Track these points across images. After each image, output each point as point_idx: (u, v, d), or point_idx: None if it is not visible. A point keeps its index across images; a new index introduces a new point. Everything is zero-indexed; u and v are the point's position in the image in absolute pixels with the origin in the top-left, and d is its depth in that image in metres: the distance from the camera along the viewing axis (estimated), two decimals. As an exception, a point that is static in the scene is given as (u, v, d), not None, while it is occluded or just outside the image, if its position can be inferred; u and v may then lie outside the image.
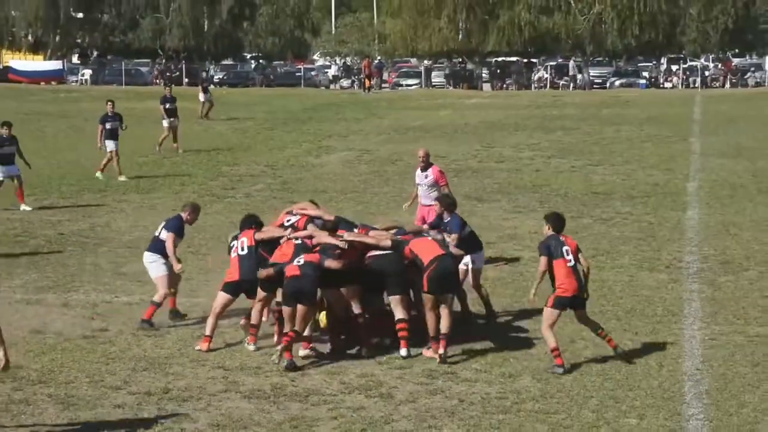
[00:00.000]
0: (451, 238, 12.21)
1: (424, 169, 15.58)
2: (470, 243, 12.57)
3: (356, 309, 11.29)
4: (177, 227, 12.55)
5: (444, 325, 11.01)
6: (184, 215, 12.71)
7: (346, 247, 11.26)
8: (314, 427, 9.35)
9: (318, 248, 11.34)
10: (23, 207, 20.32)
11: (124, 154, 25.79)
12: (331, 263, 10.94)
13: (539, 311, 13.05)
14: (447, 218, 12.49)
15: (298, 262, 10.96)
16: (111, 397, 10.01)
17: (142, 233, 17.69)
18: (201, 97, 41.52)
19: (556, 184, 23.93)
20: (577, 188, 23.24)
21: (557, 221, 11.32)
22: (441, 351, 10.92)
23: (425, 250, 11.19)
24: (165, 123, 30.41)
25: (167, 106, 30.30)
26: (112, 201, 21.69)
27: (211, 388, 10.27)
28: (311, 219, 12.06)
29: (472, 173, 25.82)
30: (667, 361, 11.10)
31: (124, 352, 11.45)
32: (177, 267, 12.35)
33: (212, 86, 43.27)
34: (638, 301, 13.42)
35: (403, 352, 11.14)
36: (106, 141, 24.90)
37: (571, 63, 67.76)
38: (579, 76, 65.07)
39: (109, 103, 25.89)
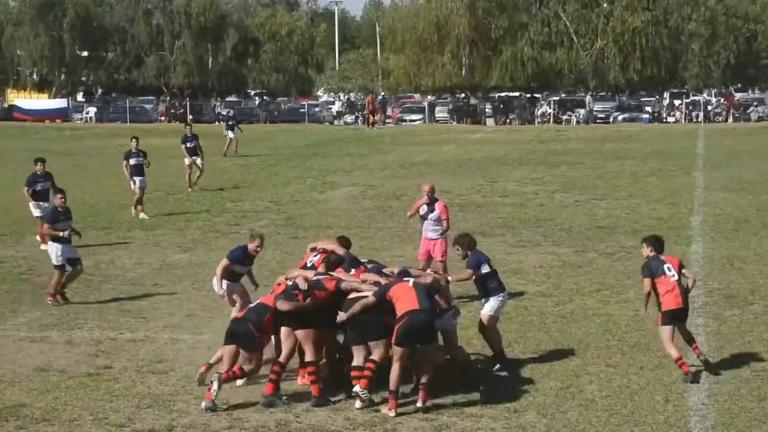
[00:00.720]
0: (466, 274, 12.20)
1: (430, 203, 15.67)
2: (488, 284, 12.15)
3: (309, 354, 10.98)
4: (235, 256, 12.95)
5: (423, 376, 10.69)
6: (250, 246, 12.97)
7: (305, 288, 10.94)
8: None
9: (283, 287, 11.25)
10: (43, 246, 19.99)
11: (126, 192, 25.85)
12: (282, 305, 10.92)
13: (544, 345, 13.06)
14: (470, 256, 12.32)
15: (253, 304, 11.25)
16: (115, 435, 9.99)
17: (146, 270, 17.74)
18: (229, 134, 41.54)
19: (561, 218, 23.94)
20: (582, 222, 23.24)
21: (656, 242, 11.94)
22: (419, 404, 10.57)
23: (402, 299, 10.72)
24: (187, 161, 30.05)
25: (188, 145, 29.91)
26: (116, 238, 21.72)
27: (215, 425, 10.24)
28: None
29: (476, 208, 25.85)
30: (673, 396, 11.06)
31: (128, 389, 11.44)
32: (218, 291, 12.96)
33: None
34: (643, 335, 13.38)
35: (356, 388, 10.70)
36: (133, 177, 25.03)
37: (588, 97, 67.91)
38: (581, 111, 65.30)
39: (133, 140, 26.03)
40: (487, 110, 68.34)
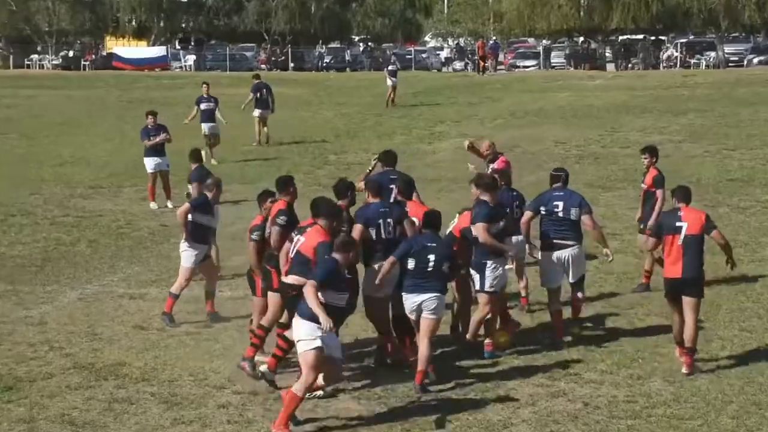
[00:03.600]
0: None
1: (492, 161, 14.45)
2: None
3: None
4: (199, 203, 12.78)
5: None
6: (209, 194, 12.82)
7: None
8: (428, 430, 9.26)
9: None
10: (152, 205, 20.15)
11: (228, 142, 26.15)
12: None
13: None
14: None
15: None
16: (215, 397, 10.12)
17: (245, 225, 17.88)
18: (388, 82, 40.78)
19: (688, 170, 23.33)
20: (711, 175, 22.63)
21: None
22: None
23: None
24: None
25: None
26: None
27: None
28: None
29: (594, 160, 25.39)
30: (815, 364, 10.67)
31: (228, 349, 11.57)
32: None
33: (333, 71, 42.55)
34: (782, 297, 12.95)
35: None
36: (202, 123, 25.47)
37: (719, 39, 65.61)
38: (711, 54, 63.37)
39: (204, 85, 26.62)
40: (607, 55, 66.94)
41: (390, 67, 42.09)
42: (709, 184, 21.47)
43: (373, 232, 10.58)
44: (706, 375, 10.43)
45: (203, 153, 24.80)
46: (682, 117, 33.64)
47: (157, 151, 20.14)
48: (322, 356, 9.06)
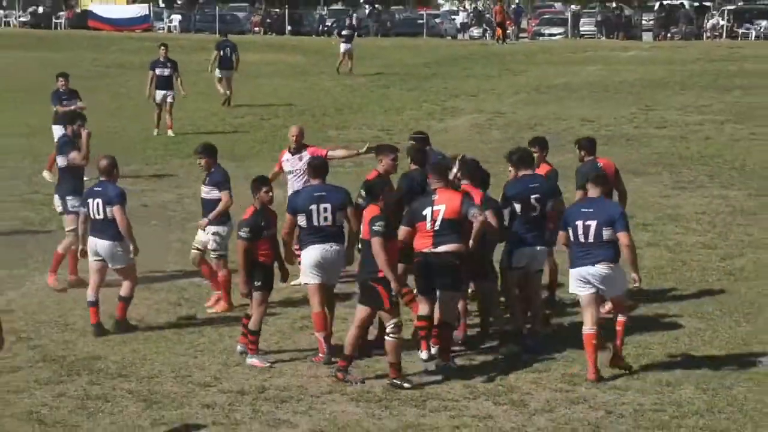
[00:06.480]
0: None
1: (297, 151, 13.84)
2: None
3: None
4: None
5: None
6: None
7: None
8: (433, 437, 9.46)
9: None
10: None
11: (216, 115, 26.31)
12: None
13: (705, 306, 12.88)
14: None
15: None
16: (199, 395, 10.30)
17: (235, 207, 18.04)
18: (341, 48, 41.68)
19: (731, 154, 23.44)
20: (758, 160, 22.73)
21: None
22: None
23: None
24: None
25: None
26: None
27: (313, 389, 10.45)
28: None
29: (626, 141, 25.49)
30: None
31: (214, 344, 11.76)
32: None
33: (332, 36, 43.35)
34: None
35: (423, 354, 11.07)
36: (156, 90, 25.82)
37: None
38: (762, 23, 63.20)
39: (162, 47, 26.77)
40: (643, 22, 66.84)
41: (344, 32, 42.60)
42: (755, 171, 21.57)
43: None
44: (743, 384, 10.57)
45: (157, 123, 25.48)
46: (726, 94, 33.72)
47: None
48: None
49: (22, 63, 43.54)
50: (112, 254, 12.09)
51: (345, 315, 11.96)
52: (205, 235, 12.96)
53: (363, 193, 11.58)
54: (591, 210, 10.66)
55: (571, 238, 10.73)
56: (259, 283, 11.07)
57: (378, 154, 12.19)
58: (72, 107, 20.22)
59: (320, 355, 11.11)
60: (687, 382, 10.61)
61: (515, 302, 11.75)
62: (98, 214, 12.06)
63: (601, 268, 10.56)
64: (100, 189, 12.17)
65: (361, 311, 10.62)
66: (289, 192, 13.23)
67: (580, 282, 10.69)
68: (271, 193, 11.39)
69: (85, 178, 14.50)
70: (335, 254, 11.21)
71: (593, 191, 10.87)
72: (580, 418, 9.81)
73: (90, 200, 12.13)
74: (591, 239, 10.57)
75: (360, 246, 10.84)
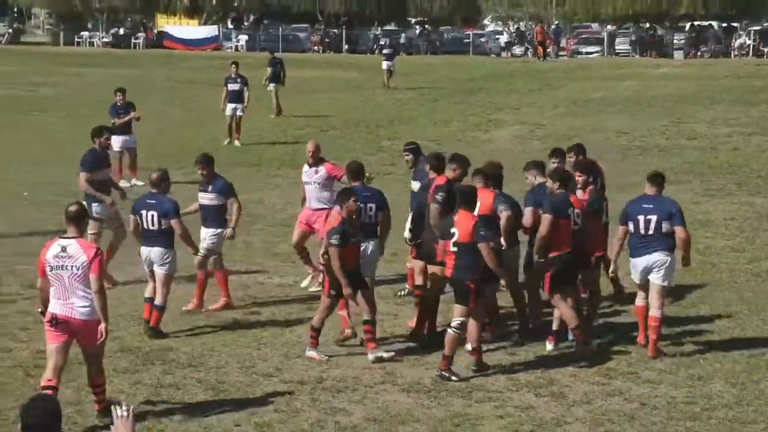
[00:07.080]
0: None
1: (314, 164, 13.73)
2: None
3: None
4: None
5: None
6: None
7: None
8: (478, 426, 9.37)
9: None
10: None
11: (279, 126, 26.38)
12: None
13: (734, 305, 12.70)
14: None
15: None
16: (262, 385, 10.30)
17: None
18: (384, 65, 42.09)
19: (758, 164, 23.15)
20: (782, 170, 22.45)
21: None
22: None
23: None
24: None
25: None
26: (265, 176, 22.24)
27: (367, 380, 10.42)
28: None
29: (659, 152, 25.28)
30: None
31: (276, 337, 11.76)
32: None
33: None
34: None
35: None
36: (228, 104, 26.16)
37: None
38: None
39: (233, 65, 27.15)
40: (675, 41, 66.27)
41: (385, 50, 42.91)
42: (779, 180, 21.30)
43: None
44: (769, 378, 10.42)
45: (228, 133, 25.86)
46: (753, 108, 33.31)
47: (124, 129, 20.95)
48: None
49: (103, 79, 43.93)
50: (162, 261, 12.02)
51: (396, 311, 11.91)
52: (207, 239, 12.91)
53: (439, 197, 11.39)
54: (651, 206, 11.17)
55: (632, 231, 11.14)
56: (335, 292, 11.00)
57: (452, 162, 12.14)
58: (126, 118, 20.66)
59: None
60: (717, 377, 10.47)
61: (538, 300, 11.85)
62: (152, 225, 11.96)
63: (659, 256, 11.02)
64: (153, 201, 12.03)
65: (458, 310, 10.51)
66: (307, 200, 13.75)
67: (639, 269, 11.13)
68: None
69: (124, 183, 14.70)
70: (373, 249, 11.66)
71: (650, 189, 11.34)
72: (616, 409, 9.70)
73: (144, 211, 11.98)
74: (651, 231, 11.04)
75: (456, 249, 10.52)
